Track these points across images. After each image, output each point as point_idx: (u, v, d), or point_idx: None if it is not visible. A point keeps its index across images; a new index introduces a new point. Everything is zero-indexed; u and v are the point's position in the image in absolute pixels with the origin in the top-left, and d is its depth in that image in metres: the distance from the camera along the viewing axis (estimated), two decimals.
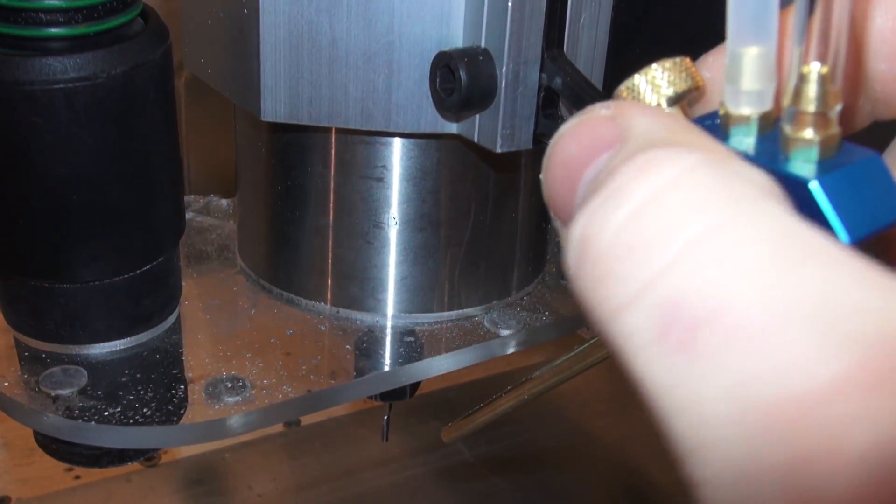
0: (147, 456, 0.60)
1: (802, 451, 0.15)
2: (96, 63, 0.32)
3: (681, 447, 0.17)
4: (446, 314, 0.43)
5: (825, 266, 0.16)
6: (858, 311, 0.16)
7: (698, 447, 0.16)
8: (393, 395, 0.47)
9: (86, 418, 0.34)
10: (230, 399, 0.36)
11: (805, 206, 0.20)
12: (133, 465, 0.65)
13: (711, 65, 0.23)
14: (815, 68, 0.20)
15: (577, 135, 0.20)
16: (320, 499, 0.65)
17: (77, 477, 0.66)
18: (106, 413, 0.34)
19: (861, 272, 0.16)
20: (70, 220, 0.35)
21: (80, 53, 0.32)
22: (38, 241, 0.35)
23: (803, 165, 0.20)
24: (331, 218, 0.41)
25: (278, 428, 0.71)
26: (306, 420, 0.71)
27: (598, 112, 0.20)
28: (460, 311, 0.43)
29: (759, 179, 0.18)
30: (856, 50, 0.21)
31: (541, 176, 0.21)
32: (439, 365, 0.40)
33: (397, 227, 0.41)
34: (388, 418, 0.54)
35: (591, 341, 0.42)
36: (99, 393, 0.35)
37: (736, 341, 0.16)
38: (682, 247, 0.17)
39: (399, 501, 0.65)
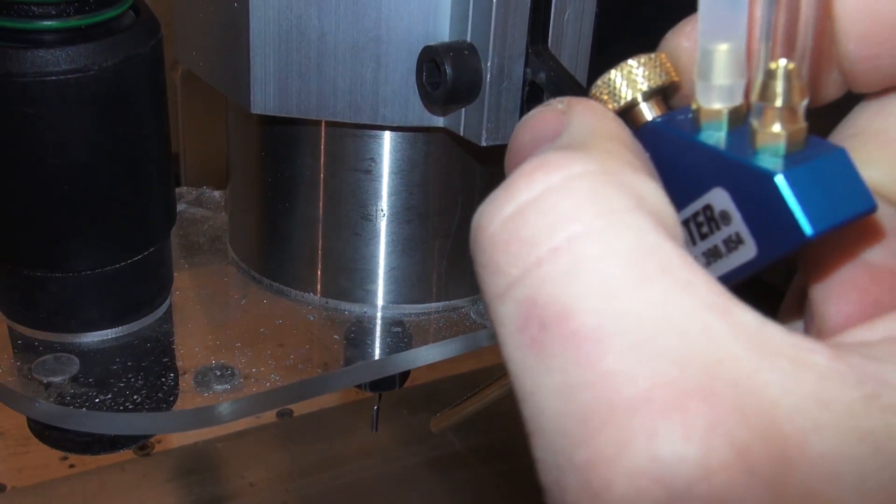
0: (139, 443, 0.61)
1: (596, 452, 0.16)
2: (88, 55, 0.33)
3: (527, 427, 0.18)
4: (434, 305, 0.43)
5: (669, 286, 0.17)
6: (681, 333, 0.17)
7: (535, 431, 0.18)
8: (382, 385, 0.48)
9: (77, 405, 0.34)
10: (219, 387, 0.36)
11: (770, 200, 0.20)
12: (126, 454, 0.66)
13: (689, 34, 0.23)
14: (781, 64, 0.20)
15: (530, 125, 0.21)
16: (312, 488, 0.66)
17: (71, 466, 0.66)
18: (97, 400, 0.35)
19: (704, 296, 0.17)
20: (62, 210, 0.35)
21: (72, 46, 0.33)
22: (31, 230, 0.36)
23: (770, 159, 0.21)
24: (320, 210, 0.42)
25: (271, 418, 0.72)
26: (298, 410, 0.72)
27: (554, 106, 0.21)
28: (448, 302, 0.43)
29: (646, 194, 0.19)
30: (824, 29, 0.22)
31: None
32: (426, 355, 0.41)
33: (385, 218, 0.41)
34: (377, 408, 0.55)
35: None
36: (90, 380, 0.36)
37: (571, 347, 0.17)
38: (547, 251, 0.18)
39: (389, 491, 0.66)
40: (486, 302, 0.19)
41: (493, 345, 0.44)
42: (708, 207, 0.23)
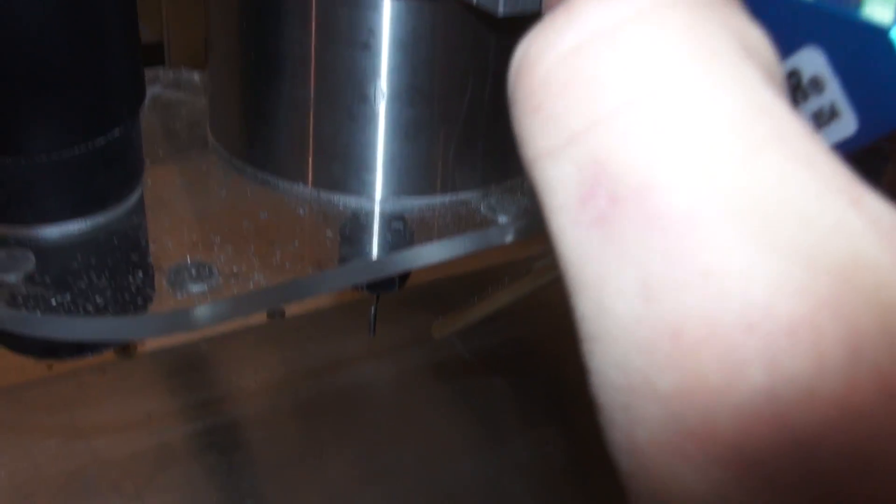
0: (113, 348, 0.57)
1: (692, 381, 0.12)
2: None
3: (581, 328, 0.14)
4: (439, 198, 0.39)
5: (788, 160, 0.13)
6: (807, 224, 0.12)
7: (596, 336, 0.14)
8: (380, 286, 0.44)
9: (30, 307, 0.30)
10: (195, 288, 0.32)
11: (879, 61, 0.16)
12: (108, 356, 0.62)
13: None
14: None
15: None
16: (304, 393, 0.62)
17: (50, 367, 0.63)
18: (53, 302, 0.30)
19: (829, 177, 0.13)
20: (11, 84, 0.30)
21: None
22: None
23: (881, 10, 0.16)
24: (311, 90, 0.37)
25: (261, 319, 0.68)
26: (290, 311, 0.68)
27: None
28: (454, 194, 0.39)
29: (753, 39, 0.14)
30: None
31: None
32: (431, 253, 0.37)
33: (385, 100, 0.36)
34: (375, 310, 0.51)
35: None
36: (47, 279, 0.31)
37: (656, 232, 0.13)
38: (625, 100, 0.13)
39: (387, 397, 0.63)
40: (528, 161, 0.14)
41: (506, 244, 0.40)
42: (794, 73, 0.18)
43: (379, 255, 0.36)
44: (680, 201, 0.12)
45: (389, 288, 0.47)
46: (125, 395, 0.60)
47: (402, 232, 0.37)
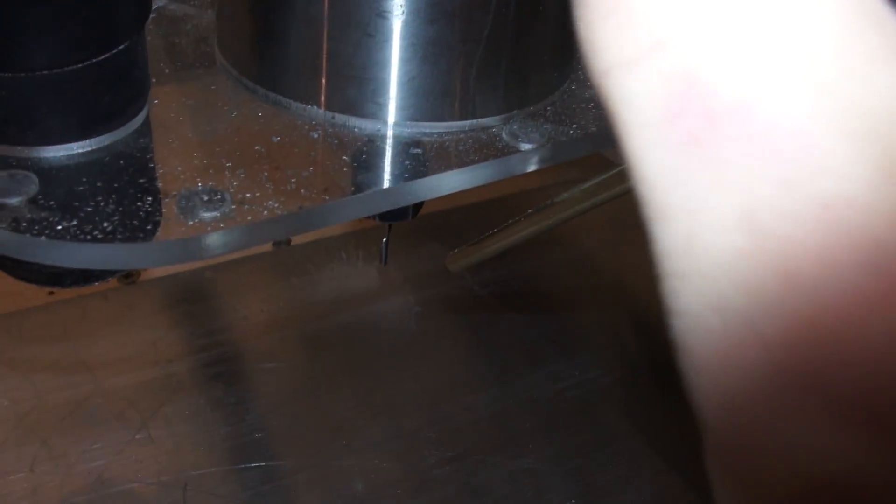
0: (119, 275, 0.56)
1: (816, 323, 0.11)
2: None
3: (664, 263, 0.12)
4: (458, 124, 0.37)
5: None
6: None
7: (682, 272, 0.12)
8: (394, 216, 0.43)
9: (35, 232, 0.28)
10: (207, 214, 0.30)
11: None
12: (110, 283, 0.61)
13: None
14: None
15: None
16: (312, 324, 0.61)
17: (50, 293, 0.62)
18: (59, 227, 0.29)
19: None
20: None
21: None
22: None
23: None
24: (325, 4, 0.35)
25: (266, 247, 0.66)
26: (297, 239, 0.67)
27: None
28: (475, 120, 0.37)
29: None
30: None
31: None
32: (450, 182, 0.35)
33: (404, 16, 0.34)
34: (387, 240, 0.50)
35: (613, 172, 0.37)
36: (52, 203, 0.30)
37: (761, 153, 0.11)
38: (722, 2, 0.11)
39: (394, 329, 0.61)
40: (598, 72, 0.13)
41: (528, 172, 0.38)
42: None
43: (396, 184, 0.34)
44: (791, 118, 0.11)
45: (402, 218, 0.45)
46: (129, 322, 0.59)
47: (419, 158, 0.35)
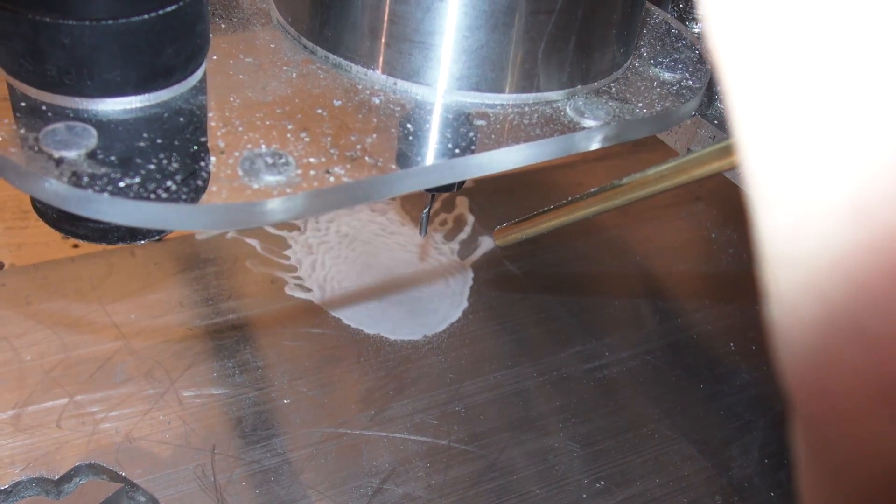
0: (166, 234, 0.55)
1: None
2: None
3: (768, 247, 0.11)
4: (524, 96, 0.36)
5: None
6: None
7: (788, 258, 0.11)
8: (440, 186, 0.41)
9: (97, 188, 0.27)
10: (271, 178, 0.29)
11: None
12: None
13: None
14: None
15: None
16: (344, 292, 0.60)
17: (75, 246, 0.61)
18: (121, 184, 0.28)
19: None
20: None
21: None
22: None
23: None
24: None
25: None
26: None
27: None
28: (539, 94, 0.36)
29: None
30: None
31: None
32: (514, 157, 0.34)
33: None
34: (428, 210, 0.49)
35: (690, 157, 0.36)
36: (112, 158, 0.29)
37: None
38: None
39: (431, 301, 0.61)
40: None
41: (592, 150, 0.37)
42: None
43: (460, 154, 0.33)
44: None
45: (447, 189, 0.44)
46: (156, 279, 0.58)
47: (485, 131, 0.34)
